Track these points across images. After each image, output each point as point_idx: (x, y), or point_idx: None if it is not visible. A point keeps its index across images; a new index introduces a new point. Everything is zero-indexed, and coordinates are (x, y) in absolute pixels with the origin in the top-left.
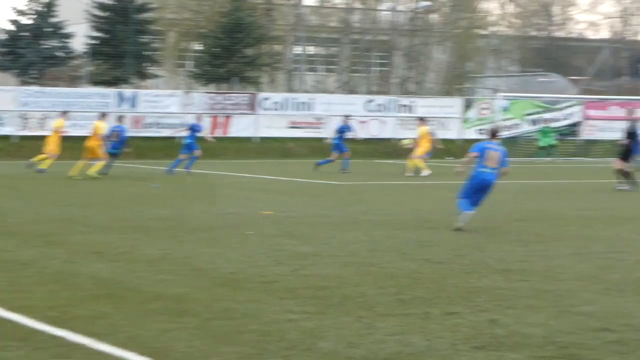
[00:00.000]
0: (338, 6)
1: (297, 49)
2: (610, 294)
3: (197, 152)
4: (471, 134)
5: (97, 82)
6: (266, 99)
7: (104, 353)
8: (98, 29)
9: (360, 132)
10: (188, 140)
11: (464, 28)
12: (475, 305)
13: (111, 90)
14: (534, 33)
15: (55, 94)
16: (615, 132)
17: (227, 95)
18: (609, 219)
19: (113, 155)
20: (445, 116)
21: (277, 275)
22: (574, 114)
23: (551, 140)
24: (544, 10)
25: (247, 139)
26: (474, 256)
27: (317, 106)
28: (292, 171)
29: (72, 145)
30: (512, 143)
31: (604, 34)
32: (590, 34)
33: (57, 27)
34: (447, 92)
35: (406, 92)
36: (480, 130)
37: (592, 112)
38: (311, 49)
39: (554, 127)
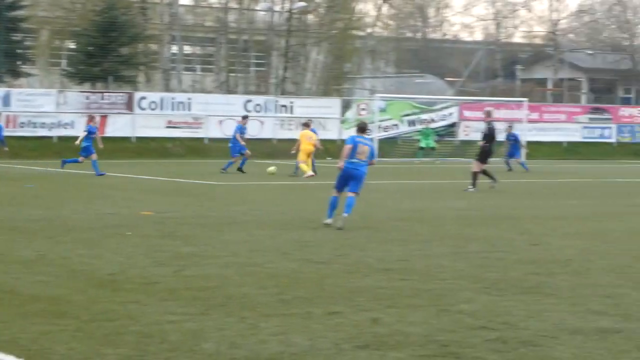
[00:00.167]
0: (214, 6)
1: (174, 49)
2: (490, 293)
3: (94, 156)
4: (350, 134)
5: None
6: (143, 98)
7: None
8: None
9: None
10: (84, 144)
11: (340, 29)
12: (357, 305)
13: None
14: (409, 34)
15: None
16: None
17: (104, 94)
18: (487, 219)
19: None
20: (323, 117)
21: (157, 277)
22: (451, 115)
23: (431, 141)
24: (418, 12)
25: (124, 139)
26: (355, 256)
27: (195, 106)
28: (171, 171)
29: None
30: (391, 144)
31: (478, 36)
32: (465, 36)
33: None
34: (325, 93)
35: (284, 93)
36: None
37: (468, 113)
38: (188, 49)
39: (434, 128)
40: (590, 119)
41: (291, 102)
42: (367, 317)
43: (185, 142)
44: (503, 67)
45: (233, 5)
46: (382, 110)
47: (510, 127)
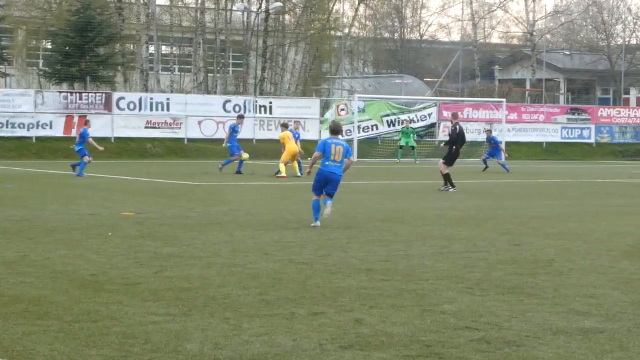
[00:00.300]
0: (190, 6)
1: (151, 49)
2: (473, 293)
3: (87, 159)
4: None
5: None
6: (122, 98)
7: None
8: None
9: (218, 132)
10: (78, 147)
11: (317, 29)
12: (340, 305)
13: None
14: (387, 35)
15: None
16: (469, 133)
17: (82, 94)
18: (469, 219)
19: None
20: (303, 117)
21: (139, 277)
22: (430, 115)
23: (411, 140)
24: (395, 12)
25: (103, 139)
26: (337, 256)
27: (173, 106)
28: (150, 172)
29: None
30: (370, 144)
31: (456, 36)
32: (443, 37)
33: None
34: (304, 93)
35: (263, 93)
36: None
37: (447, 114)
38: (165, 49)
39: (414, 128)
40: (569, 119)
41: (270, 103)
42: (350, 318)
43: (164, 143)
44: (481, 68)
45: (210, 5)
46: (361, 111)
47: (489, 130)
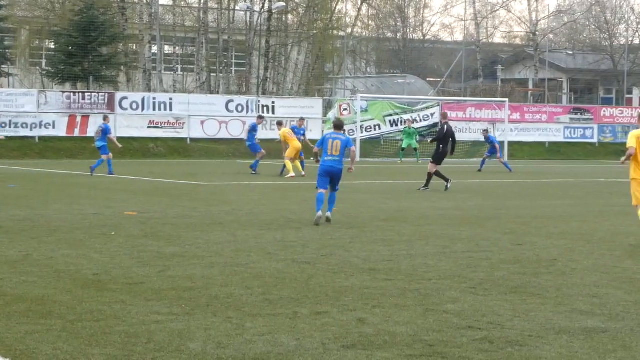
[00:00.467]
0: (193, 6)
1: (154, 49)
2: (476, 293)
3: (105, 156)
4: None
5: None
6: (125, 98)
7: None
8: None
9: (220, 132)
10: (100, 144)
11: (320, 29)
12: (342, 305)
13: None
14: (389, 35)
15: None
16: (472, 133)
17: (85, 94)
18: (471, 219)
19: None
20: (305, 117)
21: (142, 277)
22: (433, 115)
23: (413, 142)
24: (398, 12)
25: None
26: (340, 256)
27: (176, 106)
28: (153, 171)
29: None
30: (373, 144)
31: (459, 36)
32: (445, 37)
33: None
34: (307, 93)
35: (266, 93)
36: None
37: (450, 114)
38: (168, 49)
39: (417, 128)
40: (572, 119)
41: (273, 103)
42: (353, 317)
43: (167, 142)
44: (484, 68)
45: (212, 5)
46: (364, 111)
47: (486, 130)
